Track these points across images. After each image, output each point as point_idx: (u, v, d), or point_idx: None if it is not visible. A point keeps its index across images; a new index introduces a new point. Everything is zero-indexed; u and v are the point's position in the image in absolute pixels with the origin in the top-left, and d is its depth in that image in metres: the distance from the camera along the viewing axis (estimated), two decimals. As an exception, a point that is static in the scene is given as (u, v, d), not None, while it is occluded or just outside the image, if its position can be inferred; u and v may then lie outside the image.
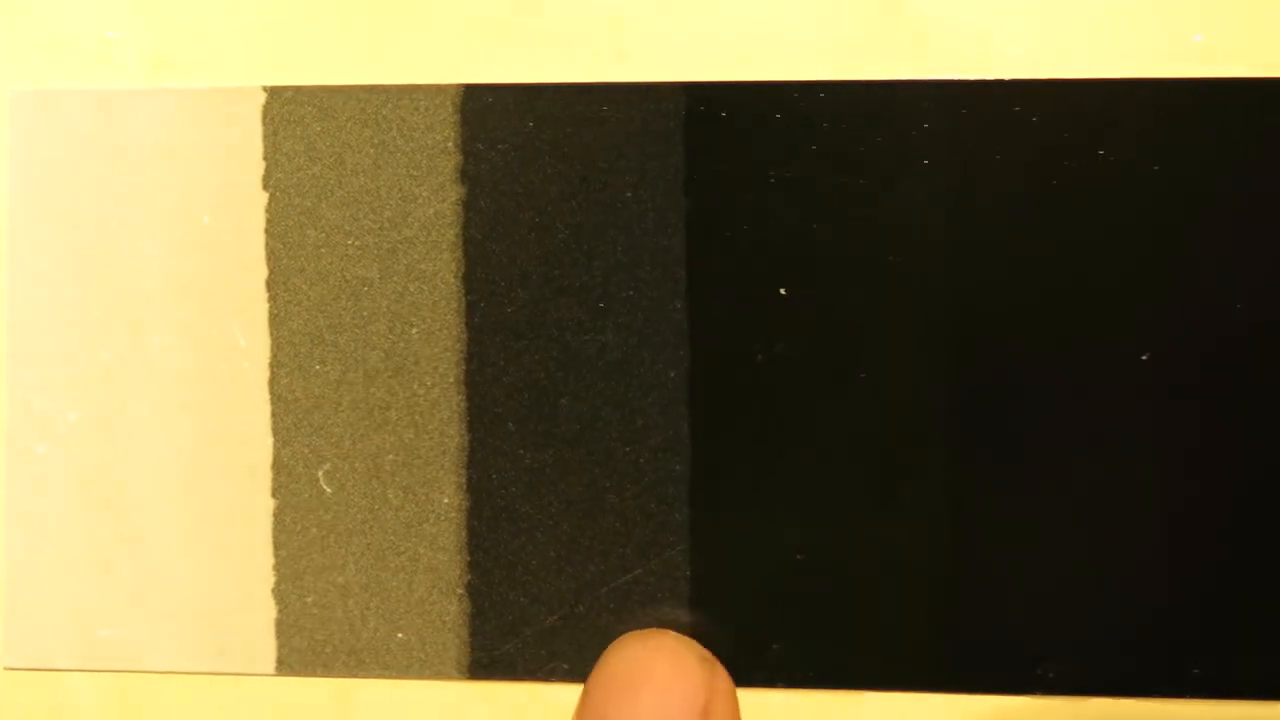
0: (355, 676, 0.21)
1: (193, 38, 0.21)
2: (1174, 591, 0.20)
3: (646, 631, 0.20)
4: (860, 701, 0.20)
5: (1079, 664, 0.20)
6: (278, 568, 0.21)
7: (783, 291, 0.20)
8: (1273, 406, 0.20)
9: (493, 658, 0.21)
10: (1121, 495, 0.20)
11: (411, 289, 0.21)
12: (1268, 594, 0.20)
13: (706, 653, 0.20)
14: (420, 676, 0.21)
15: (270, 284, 0.21)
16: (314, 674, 0.21)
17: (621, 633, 0.21)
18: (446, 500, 0.21)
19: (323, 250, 0.21)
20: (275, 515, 0.21)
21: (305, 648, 0.21)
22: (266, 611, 0.21)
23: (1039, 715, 0.20)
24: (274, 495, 0.21)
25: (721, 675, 0.20)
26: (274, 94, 0.21)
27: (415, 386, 0.21)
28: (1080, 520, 0.20)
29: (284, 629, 0.21)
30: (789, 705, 0.21)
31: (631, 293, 0.21)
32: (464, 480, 0.21)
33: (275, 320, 0.21)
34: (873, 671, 0.20)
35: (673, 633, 0.20)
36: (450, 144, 0.21)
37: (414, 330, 0.21)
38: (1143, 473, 0.20)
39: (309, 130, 0.21)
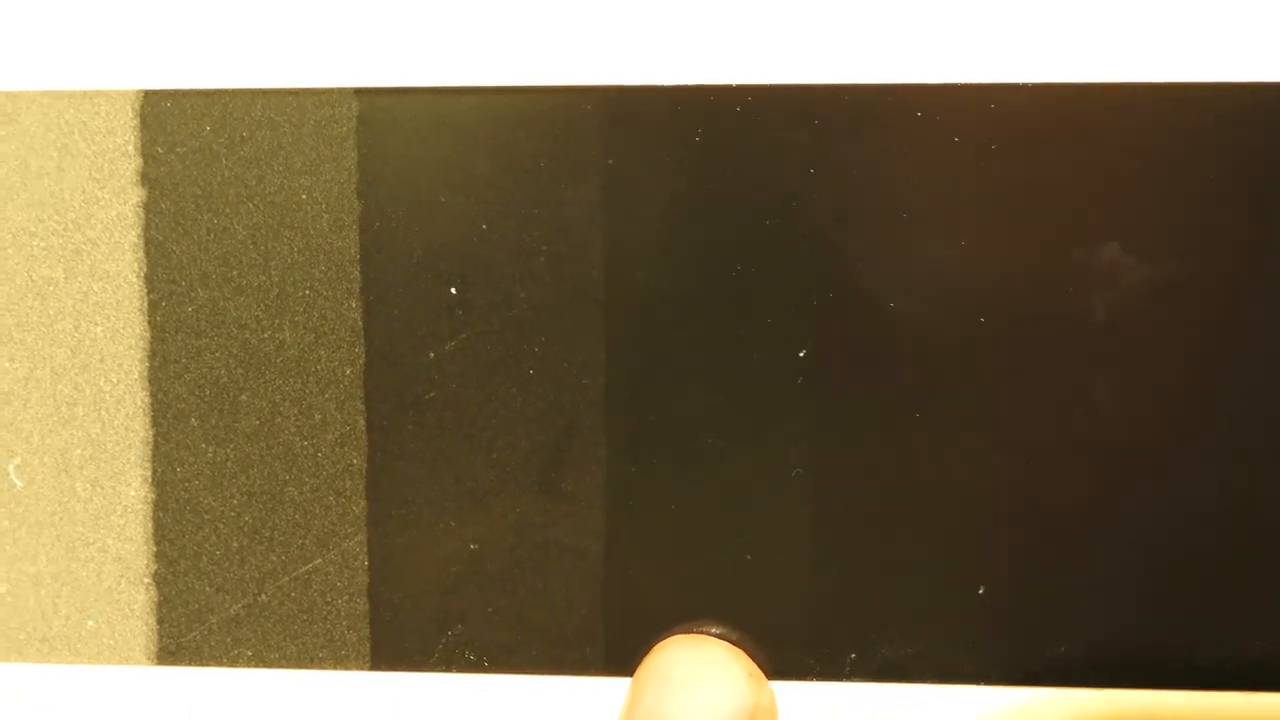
0: (47, 663, 0.22)
1: (-121, 43, 0.21)
2: (836, 578, 0.21)
3: (696, 637, 0.21)
4: (530, 685, 0.21)
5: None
6: (-28, 559, 0.22)
7: (453, 291, 0.21)
8: (925, 397, 0.21)
9: (179, 644, 0.22)
10: (777, 486, 0.21)
11: (95, 288, 0.21)
12: (931, 580, 0.21)
13: (754, 666, 0.20)
14: (109, 662, 0.22)
15: (-42, 284, 0.21)
16: (7, 660, 0.22)
17: (303, 621, 0.21)
18: (133, 493, 0.21)
19: (9, 251, 0.21)
20: (-31, 508, 0.22)
21: None
22: (-38, 601, 0.22)
23: (696, 697, 0.21)
24: (-33, 489, 0.22)
25: (767, 692, 0.20)
26: (-41, 98, 0.21)
27: (101, 383, 0.21)
28: (738, 508, 0.21)
29: (-21, 618, 0.22)
30: (464, 690, 0.21)
31: (308, 292, 0.21)
32: (149, 474, 0.21)
33: (-36, 319, 0.21)
34: (540, 656, 0.21)
35: (722, 642, 0.21)
36: (131, 148, 0.21)
37: (99, 328, 0.21)
38: (797, 463, 0.21)
39: (-6, 134, 0.21)
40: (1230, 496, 0.21)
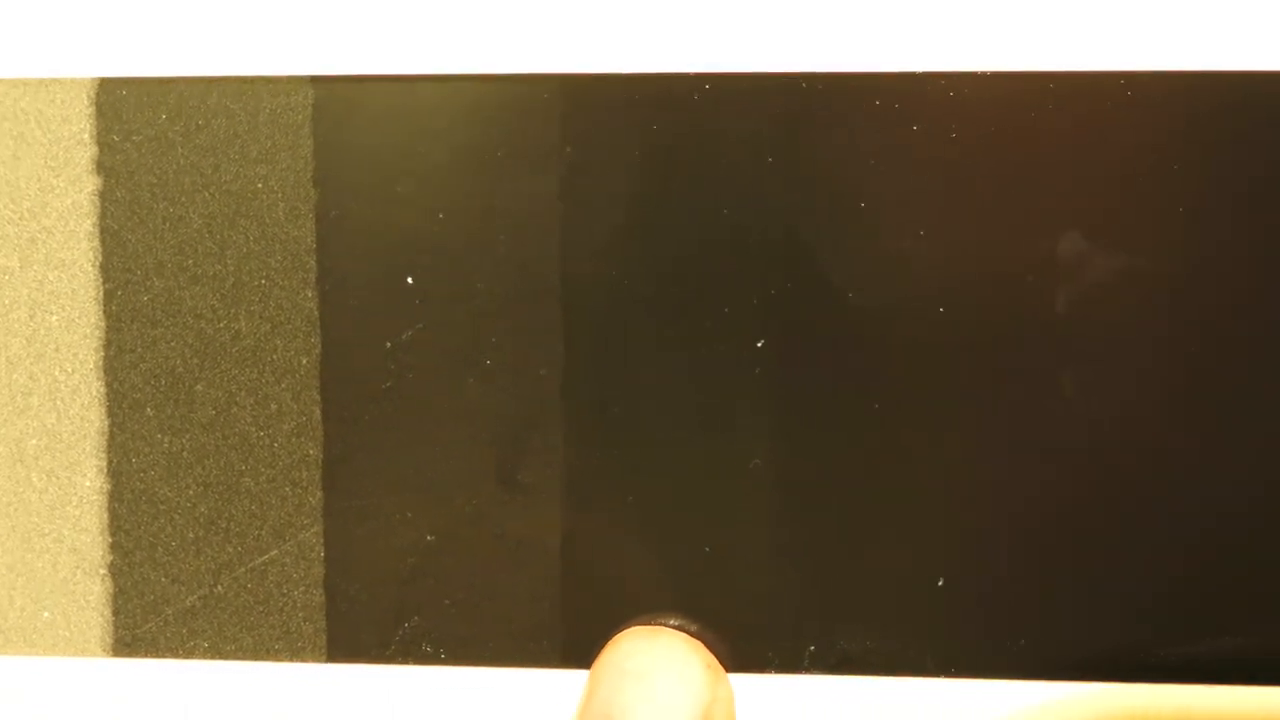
0: (2, 654, 0.22)
1: None
2: (795, 571, 0.21)
3: (653, 629, 0.21)
4: (487, 677, 0.21)
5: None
6: (-73, 549, 0.22)
7: (410, 280, 0.21)
8: (883, 389, 0.21)
9: (135, 636, 0.21)
10: (735, 477, 0.21)
11: (51, 278, 0.21)
12: (890, 572, 0.21)
13: (712, 658, 0.20)
14: (65, 654, 0.21)
15: (-87, 273, 0.21)
16: (-37, 652, 0.22)
17: (259, 612, 0.21)
18: (88, 483, 0.21)
19: (-36, 240, 0.21)
20: (-76, 498, 0.22)
21: (-45, 627, 0.22)
22: (-83, 592, 0.22)
23: (653, 690, 0.21)
24: (-78, 479, 0.22)
25: (724, 683, 0.20)
26: (-86, 86, 0.21)
27: (56, 373, 0.21)
28: (697, 500, 0.21)
29: (-66, 609, 0.22)
30: (421, 682, 0.21)
31: (264, 281, 0.21)
32: (105, 464, 0.21)
33: (-81, 308, 0.21)
34: (498, 649, 0.21)
35: (680, 633, 0.21)
36: (86, 136, 0.21)
37: (54, 318, 0.21)
38: (755, 455, 0.21)
39: (-51, 122, 0.21)
40: (1194, 489, 0.20)
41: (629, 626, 0.21)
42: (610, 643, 0.20)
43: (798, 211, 0.21)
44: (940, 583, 0.21)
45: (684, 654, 0.20)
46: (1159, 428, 0.20)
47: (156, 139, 0.21)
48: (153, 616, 0.21)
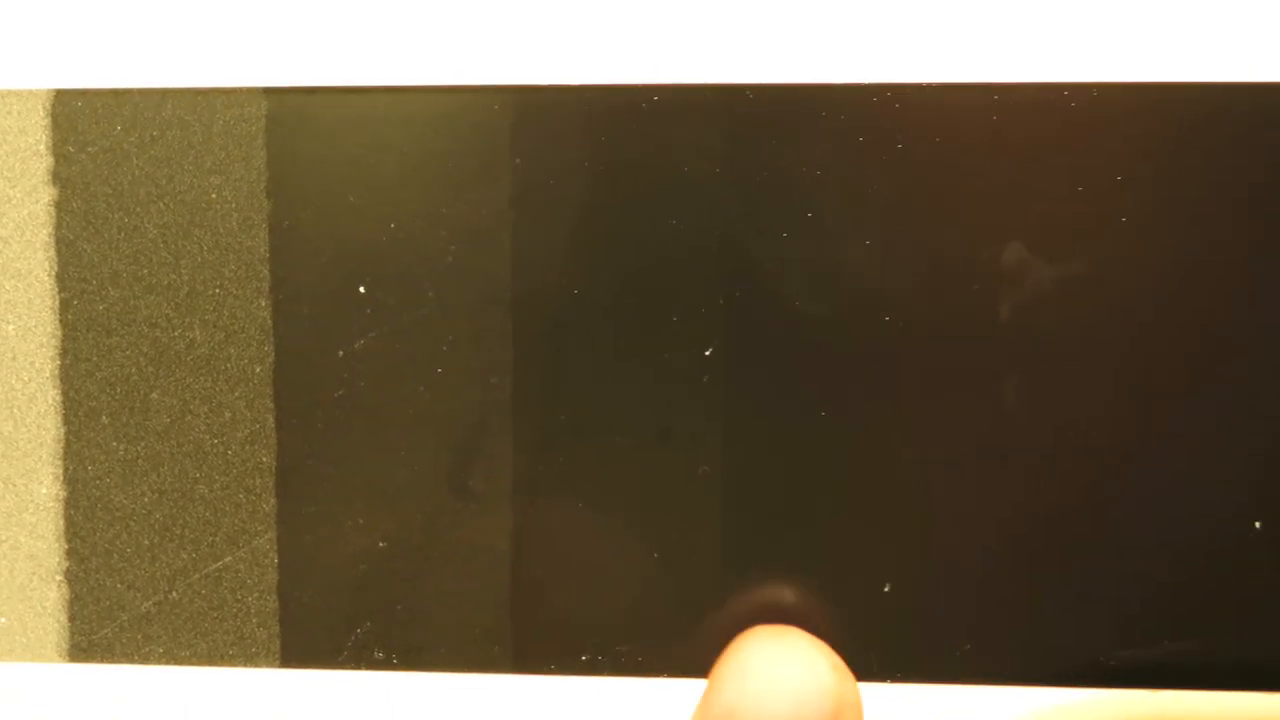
0: (-40, 660, 0.22)
1: None
2: (744, 577, 0.21)
3: (780, 629, 0.20)
4: (439, 682, 0.21)
5: (642, 645, 0.21)
6: (-115, 556, 0.22)
7: (361, 290, 0.21)
8: (830, 396, 0.21)
9: (91, 641, 0.22)
10: (684, 484, 0.21)
11: (7, 287, 0.21)
12: (837, 578, 0.21)
13: (839, 660, 0.20)
14: (22, 659, 0.22)
15: None
16: (-79, 658, 0.22)
17: (213, 618, 0.21)
18: (45, 490, 0.22)
19: (-79, 249, 0.21)
20: (-118, 505, 0.22)
21: (-87, 633, 0.22)
22: (-124, 598, 0.22)
23: (604, 694, 0.21)
24: (-120, 486, 0.22)
25: (851, 686, 0.20)
26: (-127, 98, 0.21)
27: (13, 381, 0.22)
28: (646, 506, 0.21)
29: (-108, 615, 0.22)
30: (373, 686, 0.21)
31: (218, 290, 0.21)
32: (61, 471, 0.22)
33: (-123, 317, 0.22)
34: (448, 655, 0.21)
35: (806, 634, 0.20)
36: (42, 147, 0.21)
37: (10, 327, 0.21)
38: (704, 461, 0.21)
39: (-93, 133, 0.21)
40: (1142, 495, 0.21)
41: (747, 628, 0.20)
42: (734, 642, 0.20)
43: (745, 221, 0.21)
44: (887, 588, 0.21)
45: (811, 656, 0.19)
46: (1107, 436, 0.21)
47: (112, 150, 0.21)
48: (108, 622, 0.22)
